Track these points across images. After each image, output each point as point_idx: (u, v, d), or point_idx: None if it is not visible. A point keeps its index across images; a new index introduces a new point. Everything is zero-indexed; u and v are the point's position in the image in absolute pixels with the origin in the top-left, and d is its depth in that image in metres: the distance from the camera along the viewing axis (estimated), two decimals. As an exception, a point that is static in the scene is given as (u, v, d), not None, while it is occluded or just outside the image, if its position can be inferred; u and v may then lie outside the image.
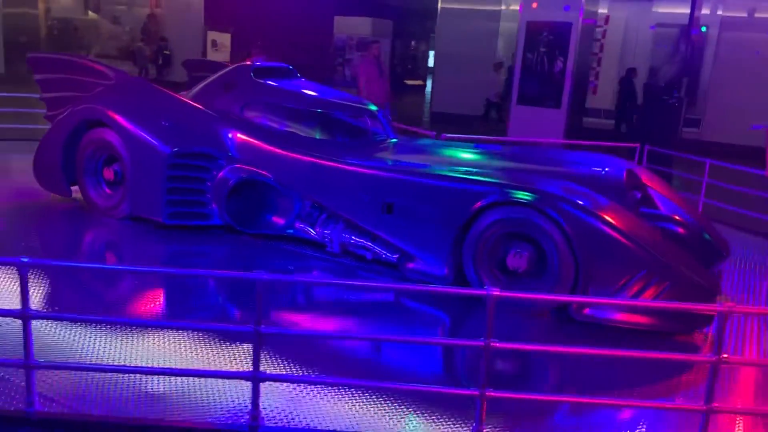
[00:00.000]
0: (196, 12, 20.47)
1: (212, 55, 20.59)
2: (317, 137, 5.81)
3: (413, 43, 25.36)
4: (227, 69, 6.39)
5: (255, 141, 5.68)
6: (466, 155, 5.59)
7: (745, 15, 13.88)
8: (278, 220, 5.58)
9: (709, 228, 5.32)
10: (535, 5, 11.72)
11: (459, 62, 16.06)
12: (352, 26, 14.08)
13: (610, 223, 4.30)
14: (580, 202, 4.40)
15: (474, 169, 4.95)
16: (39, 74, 6.61)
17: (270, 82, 6.08)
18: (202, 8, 20.38)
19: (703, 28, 14.15)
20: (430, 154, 5.65)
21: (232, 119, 5.87)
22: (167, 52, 20.69)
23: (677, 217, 5.05)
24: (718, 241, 5.24)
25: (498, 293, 2.98)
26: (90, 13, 23.12)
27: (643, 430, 3.32)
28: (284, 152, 5.56)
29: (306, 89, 6.13)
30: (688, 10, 14.33)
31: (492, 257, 4.59)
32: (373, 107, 6.16)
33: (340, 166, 5.27)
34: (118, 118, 5.79)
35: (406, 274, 4.96)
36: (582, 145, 8.93)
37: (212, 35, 20.55)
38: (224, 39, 20.93)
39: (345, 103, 6.00)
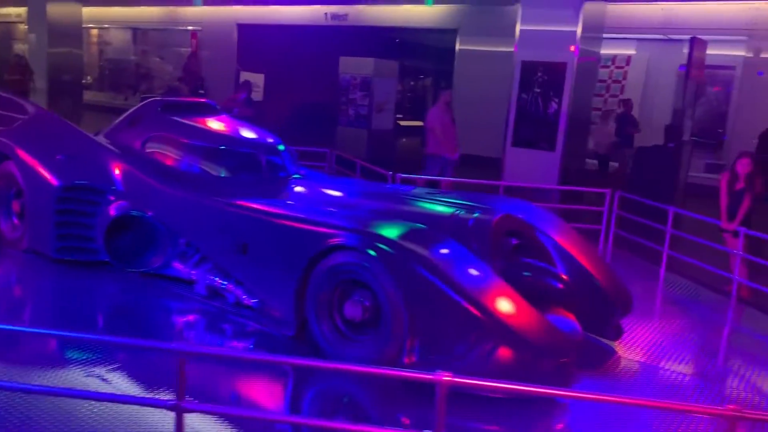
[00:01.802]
0: (231, 54, 21.12)
1: (245, 95, 21.16)
2: (210, 173, 5.66)
3: (427, 83, 25.29)
4: (138, 105, 6.39)
5: (142, 176, 5.61)
6: (350, 196, 5.30)
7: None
8: (156, 259, 5.43)
9: (609, 281, 4.81)
10: (573, 48, 11.25)
11: (477, 103, 15.76)
12: (356, 66, 14.06)
13: (444, 276, 3.89)
14: (421, 252, 4.02)
15: (332, 211, 4.66)
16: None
17: (174, 118, 6.02)
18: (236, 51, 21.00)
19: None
20: (316, 194, 5.39)
21: (127, 154, 5.82)
22: (202, 92, 21.33)
23: (558, 270, 4.57)
24: (616, 295, 4.74)
25: (450, 379, 2.63)
26: (139, 54, 24.24)
27: None
28: (164, 188, 5.45)
29: (212, 125, 6.02)
30: (719, 51, 13.67)
31: (332, 305, 4.26)
32: (281, 146, 5.97)
33: (206, 203, 5.10)
34: (19, 151, 5.86)
35: (260, 321, 4.68)
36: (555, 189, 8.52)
37: (245, 76, 21.13)
38: (257, 79, 21.48)
39: (245, 140, 5.85)
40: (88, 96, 24.45)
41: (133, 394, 3.54)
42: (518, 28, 11.56)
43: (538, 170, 11.33)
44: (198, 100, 6.60)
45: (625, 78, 15.09)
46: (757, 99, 12.96)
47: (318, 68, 17.90)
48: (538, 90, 11.41)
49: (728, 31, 13.15)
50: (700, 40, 10.83)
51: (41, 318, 4.90)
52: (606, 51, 15.31)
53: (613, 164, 13.26)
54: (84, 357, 3.96)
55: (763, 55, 13.00)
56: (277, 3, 19.21)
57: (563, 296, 4.52)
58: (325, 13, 18.54)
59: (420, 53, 22.28)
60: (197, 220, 5.16)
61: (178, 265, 5.32)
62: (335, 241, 4.15)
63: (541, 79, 11.41)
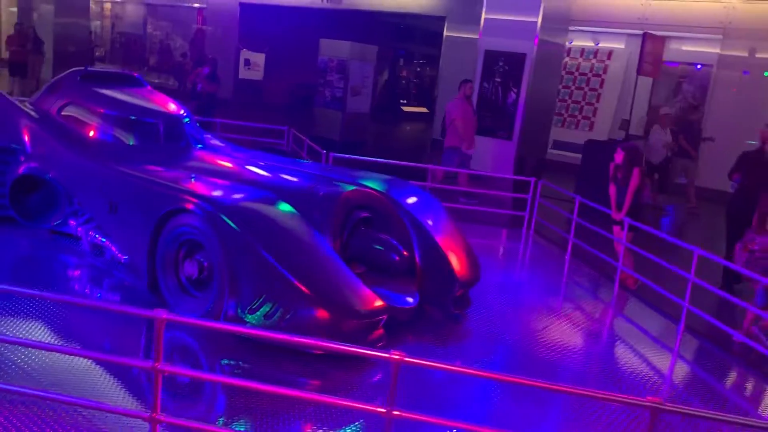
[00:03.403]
0: (233, 32, 21.50)
1: (244, 74, 21.57)
2: (108, 140, 6.01)
3: (416, 69, 25.27)
4: (66, 72, 6.79)
5: (49, 139, 6.01)
6: (236, 166, 5.63)
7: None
8: (55, 217, 5.85)
9: (458, 256, 5.09)
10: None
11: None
12: (335, 49, 14.32)
13: (262, 239, 4.23)
14: (243, 216, 4.35)
15: (191, 177, 5.00)
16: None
17: (88, 87, 6.40)
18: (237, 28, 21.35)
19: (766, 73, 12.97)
20: (204, 163, 5.73)
21: (41, 119, 6.23)
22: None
23: (397, 243, 4.87)
24: (462, 270, 5.01)
25: (399, 357, 2.76)
26: (149, 28, 24.78)
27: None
28: (64, 152, 5.84)
29: (123, 96, 6.34)
30: (700, 48, 13.63)
31: (176, 262, 4.63)
32: (186, 119, 6.28)
33: (90, 166, 5.49)
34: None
35: (129, 276, 5.07)
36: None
37: (246, 54, 21.53)
38: (257, 58, 21.85)
39: (148, 110, 6.17)
40: (99, 67, 25.19)
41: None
42: (483, 16, 11.73)
43: (497, 159, 11.54)
44: (120, 72, 6.97)
45: (605, 72, 15.10)
46: (731, 96, 12.92)
47: (313, 50, 18.22)
48: (499, 79, 11.58)
49: (706, 29, 13.12)
50: (654, 35, 10.86)
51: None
52: (593, 45, 15.37)
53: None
54: None
55: (737, 53, 12.92)
56: (277, -17, 19.51)
57: (401, 267, 4.81)
58: (322, -5, 18.79)
59: (412, 38, 22.42)
60: (85, 182, 5.56)
61: (72, 223, 5.74)
62: (177, 204, 4.51)
63: (502, 68, 11.57)
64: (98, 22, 25.86)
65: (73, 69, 6.80)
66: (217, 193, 4.60)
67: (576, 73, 15.55)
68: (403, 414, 2.76)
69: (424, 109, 21.80)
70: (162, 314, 2.85)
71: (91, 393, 3.43)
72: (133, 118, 6.04)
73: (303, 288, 4.11)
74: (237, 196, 4.61)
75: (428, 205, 5.44)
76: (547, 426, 3.91)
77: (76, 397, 3.24)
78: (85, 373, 3.69)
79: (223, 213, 4.35)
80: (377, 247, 4.84)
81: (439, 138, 16.10)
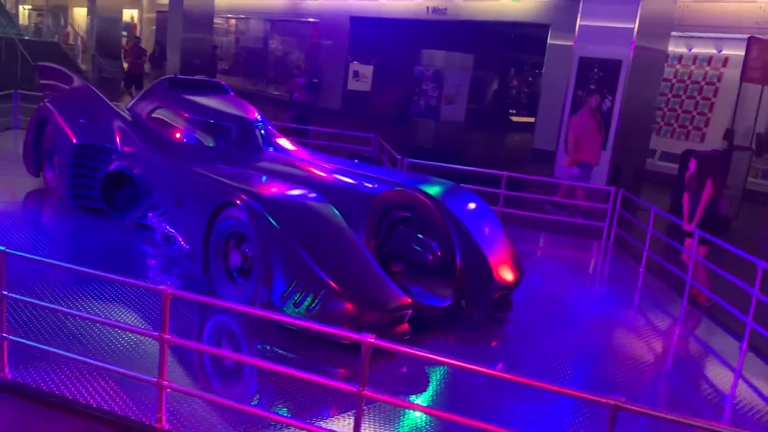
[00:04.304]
0: (344, 45, 22.28)
1: (353, 85, 22.27)
2: (187, 141, 6.50)
3: (518, 77, 24.74)
4: (158, 80, 7.44)
5: (136, 140, 6.62)
6: (291, 167, 5.93)
7: None
8: (137, 210, 6.44)
9: (500, 259, 5.09)
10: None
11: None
12: (431, 59, 14.50)
13: (295, 233, 4.47)
14: (280, 211, 4.61)
15: (247, 174, 5.34)
16: (42, 79, 8.29)
17: (175, 92, 6.99)
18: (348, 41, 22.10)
19: None
20: (269, 163, 6.07)
21: (133, 122, 6.88)
22: (315, 81, 22.67)
23: (433, 244, 4.95)
24: (501, 273, 5.02)
25: (372, 341, 2.89)
26: (268, 43, 26.17)
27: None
28: (147, 151, 6.41)
29: (205, 102, 6.85)
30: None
31: (226, 251, 4.98)
32: (259, 124, 6.65)
33: (166, 164, 6.00)
34: (55, 116, 7.13)
35: (190, 265, 5.51)
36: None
37: (355, 66, 22.21)
38: (366, 70, 22.48)
39: (225, 115, 6.60)
40: (225, 81, 26.88)
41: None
42: (578, 23, 11.46)
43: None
44: (205, 79, 7.54)
45: (719, 80, 14.21)
46: None
47: (418, 60, 18.54)
48: (594, 87, 11.25)
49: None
50: (761, 39, 10.11)
51: (53, 249, 5.92)
52: (709, 51, 14.51)
53: None
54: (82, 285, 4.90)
55: None
56: (385, -3, 20.02)
57: (434, 266, 4.87)
58: (427, 7, 19.09)
59: (515, 47, 22.10)
60: (161, 178, 6.08)
61: (150, 215, 6.29)
62: (228, 198, 4.86)
63: (597, 75, 11.24)
64: (224, 38, 27.68)
65: (165, 77, 7.43)
66: (263, 190, 4.90)
67: (688, 81, 14.77)
68: (373, 395, 2.86)
69: (530, 119, 21.42)
70: (168, 289, 3.14)
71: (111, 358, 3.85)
72: (210, 121, 6.51)
73: (329, 281, 4.29)
74: (281, 193, 4.89)
75: (476, 209, 5.45)
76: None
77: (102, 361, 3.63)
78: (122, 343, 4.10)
79: (263, 208, 4.64)
80: (412, 245, 4.94)
81: (542, 148, 15.90)
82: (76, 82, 7.74)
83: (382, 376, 4.11)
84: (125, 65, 17.96)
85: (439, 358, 2.93)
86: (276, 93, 24.20)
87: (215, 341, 4.51)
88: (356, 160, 7.62)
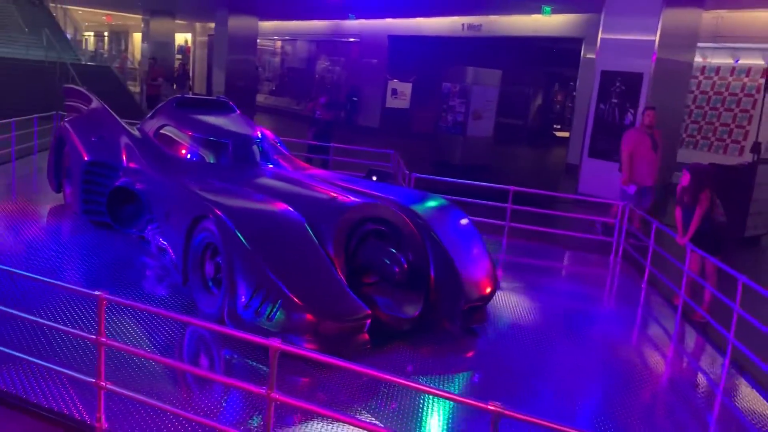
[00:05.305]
0: (383, 63, 22.54)
1: (391, 103, 22.48)
2: (187, 157, 6.74)
3: (551, 92, 24.39)
4: (168, 99, 7.77)
5: (140, 157, 6.93)
6: (282, 182, 6.08)
7: None
8: (139, 224, 6.73)
9: (472, 272, 5.10)
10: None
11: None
12: (457, 75, 14.53)
13: (259, 246, 4.61)
14: (244, 224, 4.76)
15: (226, 188, 5.53)
16: (66, 100, 8.77)
17: (180, 111, 7.28)
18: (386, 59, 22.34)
19: None
20: (261, 179, 6.24)
21: (140, 140, 7.20)
22: (355, 99, 23.02)
23: (400, 256, 4.99)
24: (471, 285, 5.03)
25: (278, 345, 2.98)
26: (310, 63, 26.72)
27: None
28: (147, 168, 6.70)
29: (207, 120, 7.11)
30: None
31: (202, 262, 5.16)
32: (257, 141, 6.83)
33: (161, 180, 6.26)
34: (71, 135, 7.54)
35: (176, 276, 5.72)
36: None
37: (393, 84, 22.45)
38: (404, 88, 22.69)
39: (224, 132, 6.82)
40: (270, 101, 27.54)
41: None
42: (599, 36, 11.34)
43: (611, 182, 10.99)
44: (212, 98, 7.81)
45: (758, 91, 13.72)
46: None
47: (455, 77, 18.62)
48: (616, 100, 11.09)
49: None
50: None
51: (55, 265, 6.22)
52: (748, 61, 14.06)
53: None
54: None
55: None
56: (421, 15, 20.22)
57: (401, 279, 4.90)
58: (462, 24, 19.17)
59: (549, 62, 21.86)
60: (157, 193, 6.34)
61: (148, 228, 6.56)
62: (203, 211, 5.05)
63: (619, 89, 11.08)
64: (270, 59, 28.43)
65: (174, 96, 7.76)
66: (235, 203, 5.08)
67: (725, 93, 14.33)
68: (281, 398, 2.94)
69: (564, 134, 21.13)
70: (104, 294, 3.31)
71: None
72: (208, 138, 6.74)
73: (288, 291, 4.40)
74: (251, 207, 5.06)
75: (457, 225, 5.48)
76: None
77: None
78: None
79: (232, 221, 4.80)
80: (381, 258, 4.99)
81: (576, 163, 15.64)
82: (94, 103, 8.15)
83: (332, 385, 4.17)
84: (148, 86, 18.72)
85: (345, 365, 2.98)
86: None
87: (153, 346, 4.54)
88: (374, 177, 7.74)
